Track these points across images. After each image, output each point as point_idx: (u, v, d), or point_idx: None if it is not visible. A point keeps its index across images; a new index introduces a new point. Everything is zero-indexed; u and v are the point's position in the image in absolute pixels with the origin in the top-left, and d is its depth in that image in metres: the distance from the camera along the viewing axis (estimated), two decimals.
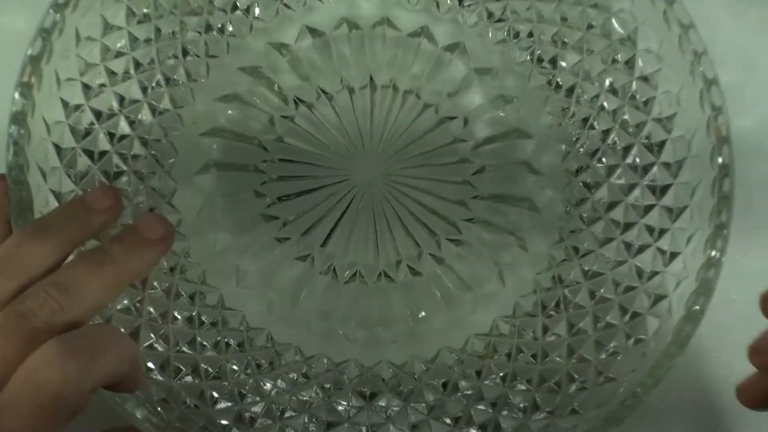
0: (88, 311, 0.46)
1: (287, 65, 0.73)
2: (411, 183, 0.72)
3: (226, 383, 0.63)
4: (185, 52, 0.71)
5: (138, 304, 0.62)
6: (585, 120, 0.71)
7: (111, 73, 0.66)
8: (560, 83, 0.72)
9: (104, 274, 0.48)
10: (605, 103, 0.71)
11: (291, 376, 0.65)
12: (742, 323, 0.54)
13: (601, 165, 0.71)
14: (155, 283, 0.64)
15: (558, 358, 0.66)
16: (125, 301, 0.61)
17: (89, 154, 0.65)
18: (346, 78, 0.73)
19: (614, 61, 0.71)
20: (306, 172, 0.72)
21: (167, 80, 0.70)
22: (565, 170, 0.72)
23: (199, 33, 0.70)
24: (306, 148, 0.72)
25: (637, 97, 0.69)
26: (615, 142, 0.70)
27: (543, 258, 0.71)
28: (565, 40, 0.71)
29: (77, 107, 0.64)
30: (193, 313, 0.66)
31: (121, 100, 0.67)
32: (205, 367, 0.63)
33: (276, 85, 0.73)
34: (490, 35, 0.74)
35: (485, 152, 0.74)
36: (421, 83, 0.74)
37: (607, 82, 0.71)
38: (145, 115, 0.69)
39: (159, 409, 0.57)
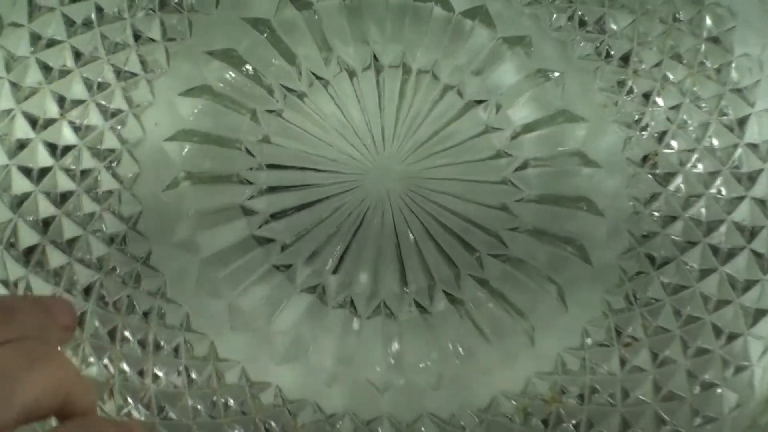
0: None
1: (268, 45, 0.63)
2: (437, 186, 0.63)
3: None
4: (137, 36, 0.61)
5: (108, 362, 0.55)
6: (646, 95, 0.63)
7: (45, 68, 0.59)
8: (611, 51, 0.63)
9: None
10: (669, 74, 0.62)
11: None
12: None
13: (671, 151, 0.62)
14: (127, 333, 0.56)
15: (642, 397, 0.58)
16: (91, 359, 0.55)
17: (26, 172, 0.57)
18: (343, 58, 0.64)
19: (676, 19, 0.63)
20: (304, 181, 0.62)
21: (117, 73, 0.61)
22: (628, 159, 0.63)
23: (152, 11, 0.61)
24: (301, 150, 0.63)
25: (708, 63, 0.61)
26: (686, 121, 0.62)
27: (611, 271, 0.61)
28: None
29: (7, 113, 0.57)
30: (180, 368, 0.57)
31: (61, 100, 0.59)
32: None
33: (256, 72, 0.63)
34: None
35: (527, 142, 0.64)
36: (438, 59, 0.64)
37: (669, 46, 0.62)
38: (94, 119, 0.59)
39: None
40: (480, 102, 0.64)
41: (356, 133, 0.63)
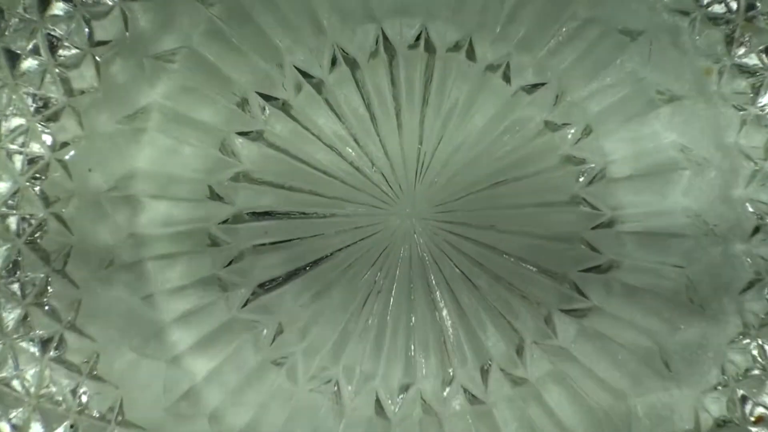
0: None
1: (230, 36, 0.53)
2: (482, 219, 0.54)
3: None
4: (53, 44, 0.50)
5: None
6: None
7: None
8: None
9: None
10: None
11: None
12: None
13: None
14: None
15: None
16: None
17: None
18: (337, 37, 0.54)
19: None
20: (298, 232, 0.54)
21: (35, 99, 0.50)
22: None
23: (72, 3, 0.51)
24: (291, 188, 0.54)
25: None
26: None
27: (731, 319, 0.52)
28: None
29: None
30: None
31: None
32: None
33: (221, 75, 0.54)
34: None
35: (604, 137, 0.53)
36: (471, 31, 0.54)
37: None
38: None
39: None
40: (536, 86, 0.54)
41: (365, 154, 0.54)
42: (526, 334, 0.54)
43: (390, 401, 0.53)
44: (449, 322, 0.53)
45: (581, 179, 0.54)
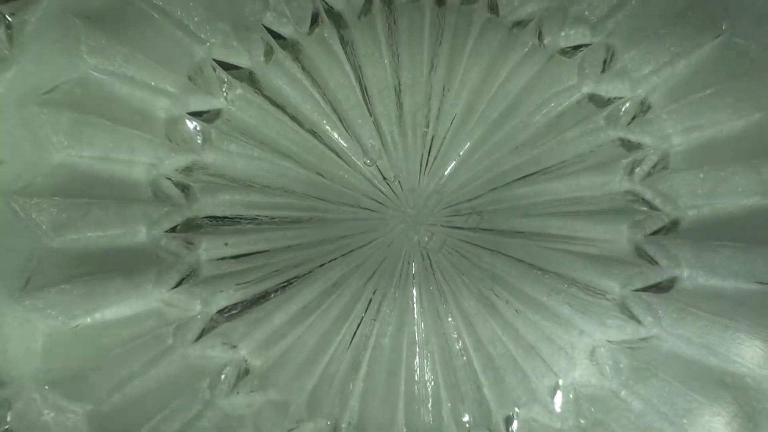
0: None
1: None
2: (507, 224, 0.45)
3: None
4: None
5: None
6: None
7: None
8: None
9: None
10: None
11: None
12: None
13: None
14: None
15: None
16: None
17: None
18: None
19: None
20: (267, 243, 0.45)
21: None
22: None
23: None
24: (259, 185, 0.45)
25: None
26: None
27: None
28: None
29: None
30: None
31: None
32: None
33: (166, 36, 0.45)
34: None
35: (668, 116, 0.44)
36: None
37: None
38: None
39: None
40: (578, 48, 0.45)
41: (354, 138, 0.45)
42: (563, 375, 0.45)
43: None
44: (465, 358, 0.45)
45: (636, 170, 0.46)
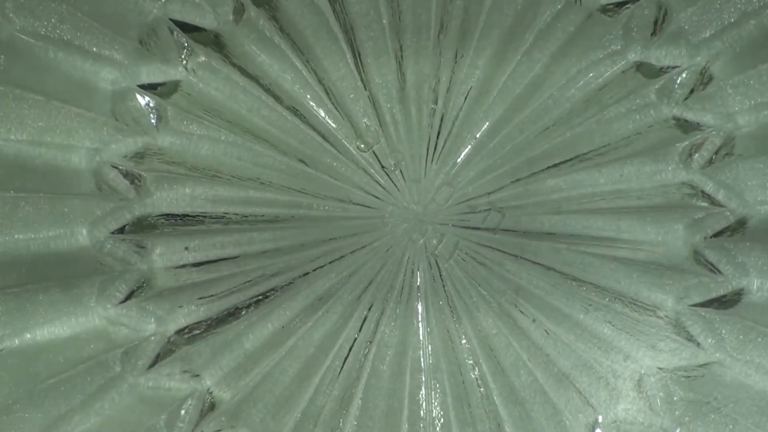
0: None
1: None
2: (534, 223, 0.40)
3: None
4: None
5: None
6: None
7: None
8: None
9: None
10: None
11: None
12: None
13: None
14: None
15: None
16: None
17: None
18: None
19: None
20: (236, 247, 0.40)
21: None
22: None
23: None
24: (226, 175, 0.40)
25: None
26: None
27: None
28: None
29: None
30: None
31: None
32: None
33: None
34: None
35: (733, 89, 0.40)
36: None
37: None
38: None
39: None
40: (623, 5, 0.41)
41: (345, 117, 0.41)
42: (604, 410, 0.40)
43: None
44: (482, 390, 0.40)
45: (695, 157, 0.40)
